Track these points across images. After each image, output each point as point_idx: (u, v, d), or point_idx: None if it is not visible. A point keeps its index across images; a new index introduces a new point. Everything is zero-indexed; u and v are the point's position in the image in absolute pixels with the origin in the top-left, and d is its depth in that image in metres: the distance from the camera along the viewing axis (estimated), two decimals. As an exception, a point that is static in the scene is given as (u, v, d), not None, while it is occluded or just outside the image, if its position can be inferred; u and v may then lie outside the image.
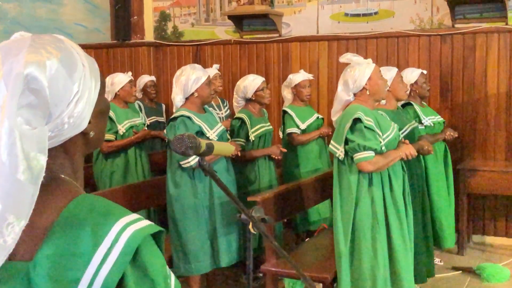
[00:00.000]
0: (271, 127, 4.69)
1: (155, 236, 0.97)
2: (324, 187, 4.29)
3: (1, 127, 0.87)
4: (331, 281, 3.51)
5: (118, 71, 7.00)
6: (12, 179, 0.85)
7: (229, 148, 1.71)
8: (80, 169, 1.05)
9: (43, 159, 0.89)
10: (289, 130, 4.86)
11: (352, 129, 3.24)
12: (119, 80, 4.70)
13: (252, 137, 4.40)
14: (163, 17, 6.90)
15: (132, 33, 6.86)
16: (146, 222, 0.96)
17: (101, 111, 1.04)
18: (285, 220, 4.43)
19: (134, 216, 0.96)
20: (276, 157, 4.49)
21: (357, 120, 3.22)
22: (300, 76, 4.94)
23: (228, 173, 3.84)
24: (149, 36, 6.92)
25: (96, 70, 1.03)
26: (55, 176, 0.98)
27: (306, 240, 4.54)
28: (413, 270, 3.44)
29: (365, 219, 3.26)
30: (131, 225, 0.93)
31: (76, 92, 0.96)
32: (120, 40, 6.87)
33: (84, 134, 1.01)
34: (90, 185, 4.79)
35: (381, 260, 3.25)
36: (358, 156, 3.20)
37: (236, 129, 4.41)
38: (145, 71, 6.63)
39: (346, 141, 3.26)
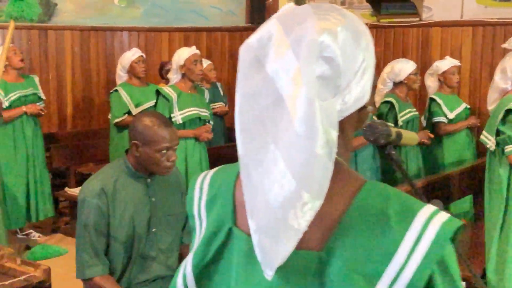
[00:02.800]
0: (417, 112, 4.53)
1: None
2: (470, 180, 4.06)
3: (296, 98, 0.79)
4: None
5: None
6: (309, 153, 0.78)
7: (414, 137, 1.62)
8: (349, 148, 0.96)
9: (334, 135, 0.81)
10: (436, 119, 4.66)
11: (503, 120, 3.12)
12: None
13: (400, 121, 4.27)
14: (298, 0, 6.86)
15: (266, 15, 6.90)
16: (447, 215, 0.86)
17: (374, 84, 0.94)
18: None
19: (432, 207, 0.86)
20: (425, 141, 4.34)
21: (510, 111, 3.08)
22: (447, 63, 4.72)
23: (374, 161, 3.76)
24: (283, 19, 6.91)
25: (371, 39, 0.93)
26: None
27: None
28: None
29: None
30: (434, 217, 0.84)
31: (362, 60, 0.87)
32: (254, 23, 6.93)
33: (360, 108, 0.90)
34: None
35: None
36: (509, 148, 3.06)
37: (384, 113, 4.31)
38: (278, 55, 6.64)
39: (498, 133, 3.14)
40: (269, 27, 0.86)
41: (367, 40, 0.89)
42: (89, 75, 7.26)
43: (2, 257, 2.91)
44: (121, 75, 5.16)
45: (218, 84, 6.25)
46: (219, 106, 5.84)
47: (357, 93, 0.86)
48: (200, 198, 0.99)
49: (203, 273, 0.94)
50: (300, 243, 0.81)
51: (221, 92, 6.15)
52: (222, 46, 7.39)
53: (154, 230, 2.44)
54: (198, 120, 4.20)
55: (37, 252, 4.56)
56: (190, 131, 4.06)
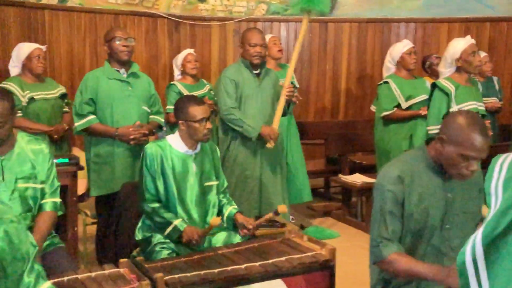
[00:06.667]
0: None
1: None
2: None
3: None
4: None
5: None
6: None
7: None
8: None
9: None
10: None
11: None
12: None
13: None
14: None
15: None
16: None
17: None
18: None
19: None
20: None
21: None
22: None
23: None
24: None
25: None
26: None
27: None
28: None
29: None
30: None
31: None
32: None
33: None
34: None
35: None
36: None
37: None
38: None
39: None
40: None
41: None
42: (364, 67, 7.40)
43: (290, 232, 3.13)
44: (389, 67, 5.06)
45: (494, 78, 5.80)
46: (492, 101, 5.44)
47: None
48: (498, 178, 1.05)
49: (492, 245, 0.98)
50: None
51: (497, 87, 5.70)
52: (508, 38, 6.85)
53: (447, 226, 2.36)
54: None
55: (311, 232, 4.81)
56: None
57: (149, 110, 3.98)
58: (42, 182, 2.70)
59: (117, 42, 3.82)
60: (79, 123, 3.79)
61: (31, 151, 2.69)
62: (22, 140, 2.69)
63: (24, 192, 2.64)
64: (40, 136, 3.35)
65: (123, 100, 3.83)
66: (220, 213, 3.20)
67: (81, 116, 3.79)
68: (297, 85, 5.37)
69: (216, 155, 3.27)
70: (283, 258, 2.70)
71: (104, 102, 3.81)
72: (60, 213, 2.80)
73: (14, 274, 1.72)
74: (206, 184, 3.15)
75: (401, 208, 2.32)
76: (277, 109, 4.19)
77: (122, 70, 3.89)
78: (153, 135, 4.16)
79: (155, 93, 4.06)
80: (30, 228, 2.60)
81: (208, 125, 3.04)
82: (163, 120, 4.08)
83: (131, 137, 3.75)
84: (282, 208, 3.09)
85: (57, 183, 2.79)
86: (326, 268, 2.76)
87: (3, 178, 2.60)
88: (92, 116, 3.79)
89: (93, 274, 2.42)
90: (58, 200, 2.77)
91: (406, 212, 2.32)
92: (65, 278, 2.36)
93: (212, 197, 3.17)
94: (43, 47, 4.50)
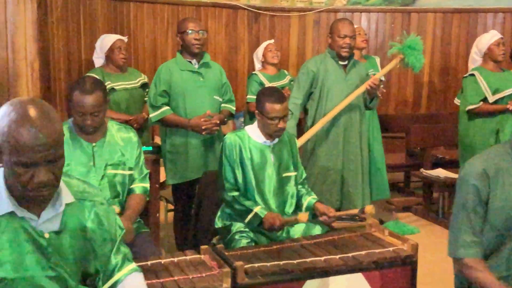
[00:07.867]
0: None
1: None
2: None
3: None
4: None
5: None
6: None
7: None
8: None
9: None
10: None
11: None
12: None
13: None
14: None
15: None
16: None
17: None
18: None
19: None
20: None
21: None
22: None
23: None
24: None
25: None
26: None
27: None
28: None
29: None
30: None
31: None
32: None
33: None
34: None
35: None
36: None
37: None
38: None
39: None
40: None
41: None
42: (448, 58, 7.15)
43: (370, 226, 3.08)
44: (475, 59, 4.85)
45: None
46: None
47: None
48: None
49: None
50: None
51: None
52: None
53: None
54: None
55: (390, 227, 4.68)
56: None
57: (220, 99, 4.00)
58: (131, 169, 2.80)
59: (189, 35, 3.85)
60: (153, 115, 3.85)
61: (120, 139, 2.79)
62: (113, 128, 2.80)
63: (113, 178, 2.74)
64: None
65: (195, 91, 3.88)
66: (298, 203, 3.19)
67: (155, 107, 3.85)
68: (383, 78, 5.23)
69: (295, 146, 3.26)
70: (363, 252, 2.66)
71: (177, 93, 3.87)
72: (147, 198, 2.89)
73: (103, 255, 1.78)
74: (284, 174, 3.14)
75: (484, 205, 2.22)
76: (350, 95, 4.11)
77: (194, 61, 3.92)
78: (225, 124, 4.17)
79: (226, 81, 4.07)
80: (118, 214, 2.69)
81: (281, 124, 3.02)
82: (234, 108, 4.09)
83: (203, 127, 3.79)
84: (370, 208, 3.04)
85: (146, 170, 2.88)
86: (408, 264, 2.69)
87: (94, 164, 2.71)
88: (166, 108, 3.85)
89: (175, 259, 2.48)
90: (147, 185, 2.86)
91: (490, 209, 2.22)
92: (149, 262, 2.43)
93: (290, 188, 3.16)
94: (125, 38, 4.62)
